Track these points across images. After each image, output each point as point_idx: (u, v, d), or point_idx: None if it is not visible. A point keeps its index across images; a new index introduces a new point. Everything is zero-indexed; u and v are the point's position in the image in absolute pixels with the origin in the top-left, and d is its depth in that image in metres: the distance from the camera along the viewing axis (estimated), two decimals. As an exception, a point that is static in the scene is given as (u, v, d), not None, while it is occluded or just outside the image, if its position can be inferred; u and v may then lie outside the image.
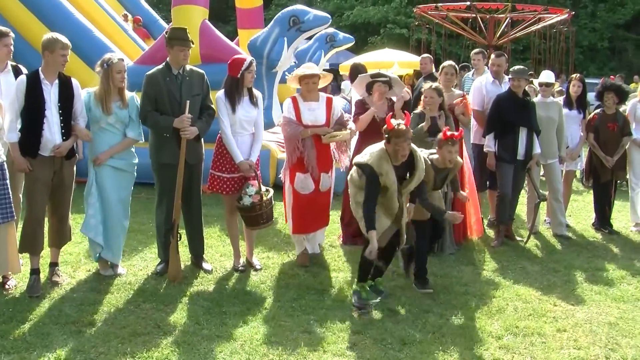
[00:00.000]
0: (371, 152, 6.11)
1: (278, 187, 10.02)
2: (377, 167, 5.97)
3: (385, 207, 6.11)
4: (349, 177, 6.43)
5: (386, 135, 6.08)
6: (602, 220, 9.33)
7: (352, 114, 8.03)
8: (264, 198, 6.81)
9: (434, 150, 6.80)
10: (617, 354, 5.35)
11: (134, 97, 6.67)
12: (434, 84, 7.94)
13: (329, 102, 7.32)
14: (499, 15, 27.73)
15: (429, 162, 6.59)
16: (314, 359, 5.09)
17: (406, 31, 36.49)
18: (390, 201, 6.09)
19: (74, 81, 6.42)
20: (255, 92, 7.03)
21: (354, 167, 6.30)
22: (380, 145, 6.14)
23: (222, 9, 34.81)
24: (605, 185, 9.27)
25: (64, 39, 6.27)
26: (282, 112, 7.31)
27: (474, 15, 27.98)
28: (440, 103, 7.80)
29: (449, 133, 6.65)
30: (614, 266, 7.64)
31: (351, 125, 7.44)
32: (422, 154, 6.60)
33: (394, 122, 6.09)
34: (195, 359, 5.02)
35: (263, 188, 6.89)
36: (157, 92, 6.64)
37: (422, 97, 7.80)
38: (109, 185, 6.61)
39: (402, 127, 6.03)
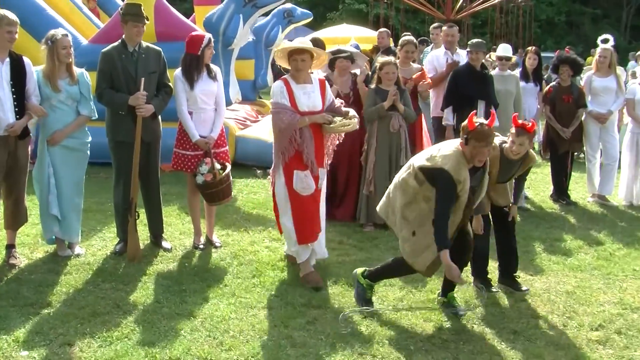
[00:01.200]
0: (444, 153, 5.11)
1: (237, 164, 9.98)
2: (455, 174, 4.99)
3: (451, 222, 5.16)
4: (399, 182, 5.38)
5: (465, 136, 5.11)
6: (560, 191, 9.46)
7: None
8: (217, 177, 6.71)
9: (506, 139, 5.76)
10: (574, 322, 5.45)
11: (84, 73, 6.57)
12: (391, 58, 7.92)
13: (322, 85, 6.29)
14: (457, -10, 27.86)
15: (498, 152, 5.67)
16: (275, 334, 5.09)
17: (365, 6, 36.38)
18: (457, 214, 5.17)
19: (26, 59, 6.31)
20: (213, 66, 6.97)
21: (414, 172, 5.24)
22: (454, 145, 5.20)
23: (179, -14, 34.43)
24: (562, 157, 9.38)
25: (10, 15, 6.14)
26: (272, 96, 6.16)
27: (432, -11, 28.08)
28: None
29: (520, 122, 5.66)
30: (572, 236, 7.77)
31: (352, 112, 6.37)
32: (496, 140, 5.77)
33: (476, 120, 5.13)
34: (155, 338, 4.99)
35: (218, 166, 6.81)
36: (112, 69, 6.58)
37: (381, 72, 7.74)
38: (61, 165, 6.52)
39: (486, 128, 5.10)
